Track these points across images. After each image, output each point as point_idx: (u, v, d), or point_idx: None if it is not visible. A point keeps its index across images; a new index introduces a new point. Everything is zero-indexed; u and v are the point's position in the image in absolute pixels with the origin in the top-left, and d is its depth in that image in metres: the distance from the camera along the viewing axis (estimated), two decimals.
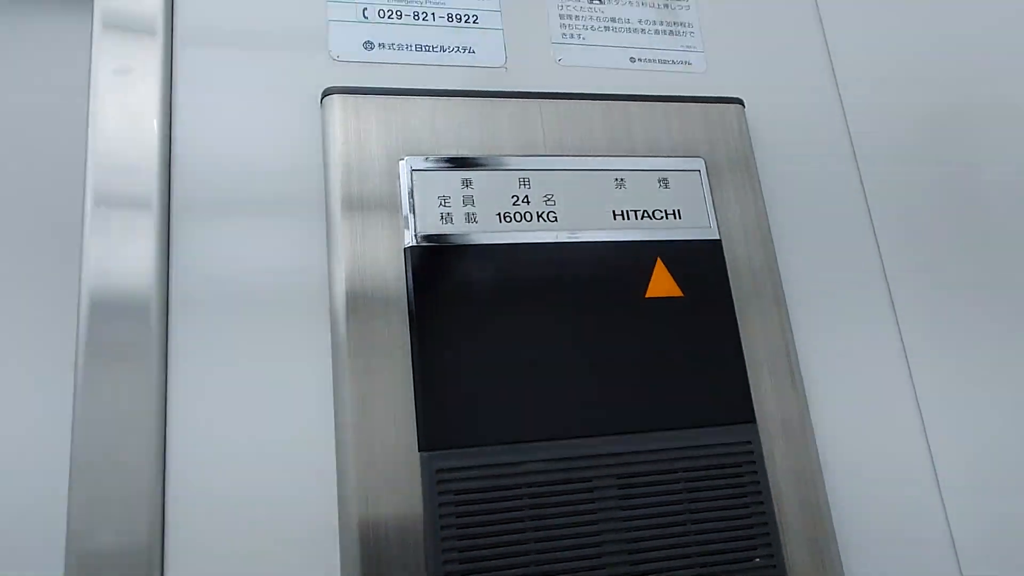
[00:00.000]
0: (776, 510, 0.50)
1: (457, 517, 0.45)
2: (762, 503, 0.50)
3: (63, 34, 0.63)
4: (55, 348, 0.54)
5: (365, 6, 0.57)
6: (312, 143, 0.53)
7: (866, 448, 0.55)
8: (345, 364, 0.47)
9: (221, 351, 0.48)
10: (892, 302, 0.59)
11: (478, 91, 0.55)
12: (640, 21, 0.62)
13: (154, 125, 0.51)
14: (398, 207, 0.50)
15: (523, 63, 0.59)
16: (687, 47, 0.62)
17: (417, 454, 0.46)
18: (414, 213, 0.50)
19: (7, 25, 0.64)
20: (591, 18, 0.61)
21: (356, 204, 0.50)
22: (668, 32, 0.63)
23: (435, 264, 0.49)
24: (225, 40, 0.55)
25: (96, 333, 0.46)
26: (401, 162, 0.51)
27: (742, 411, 0.51)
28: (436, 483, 0.45)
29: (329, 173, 0.51)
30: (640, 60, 0.61)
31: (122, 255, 0.48)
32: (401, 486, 0.45)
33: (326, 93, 0.53)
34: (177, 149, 0.51)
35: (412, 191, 0.50)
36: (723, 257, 0.53)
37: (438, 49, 0.57)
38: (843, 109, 0.64)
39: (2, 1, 0.64)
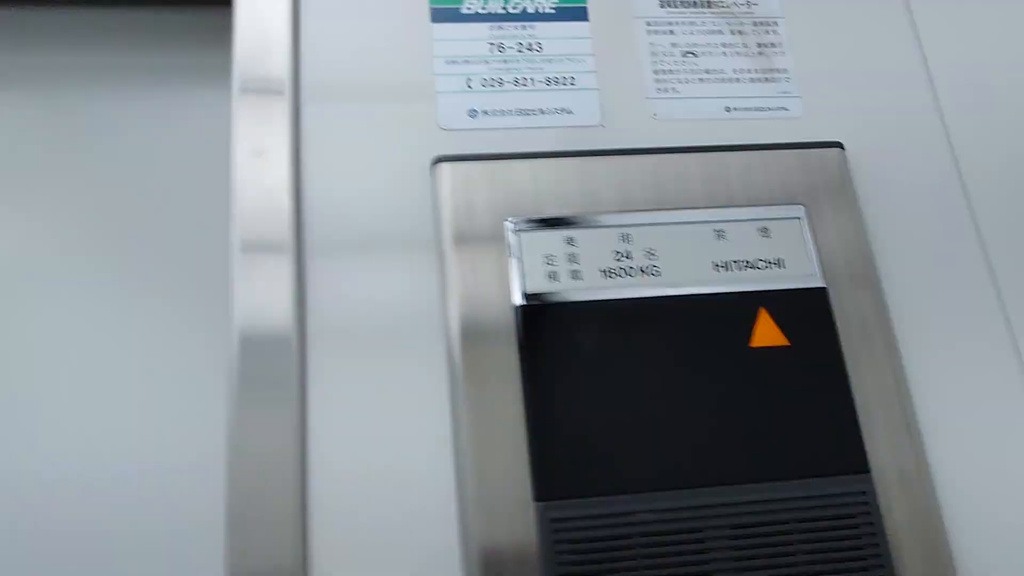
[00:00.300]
0: (896, 562, 0.49)
1: (573, 565, 0.47)
2: (879, 555, 0.49)
3: (204, 101, 0.71)
4: (207, 383, 0.60)
5: (469, 77, 0.61)
6: (424, 200, 0.57)
7: (992, 497, 0.53)
8: (463, 415, 0.50)
9: (351, 382, 0.52)
10: (1015, 343, 0.57)
11: (577, 151, 0.57)
12: (734, 71, 0.63)
13: (286, 178, 0.56)
14: (506, 267, 0.53)
15: (619, 120, 0.61)
16: (783, 93, 0.63)
17: (531, 503, 0.48)
18: (521, 272, 0.52)
19: (162, 96, 0.72)
20: (685, 71, 0.63)
21: (467, 264, 0.53)
22: (763, 79, 0.63)
23: (543, 321, 0.51)
24: (346, 107, 0.60)
25: (246, 368, 0.51)
26: (507, 223, 0.54)
27: (855, 461, 0.50)
28: (551, 532, 0.47)
29: (441, 234, 0.54)
30: (736, 109, 0.62)
31: (264, 297, 0.53)
32: (518, 531, 0.48)
33: (435, 161, 0.57)
34: (306, 201, 0.57)
35: (518, 251, 0.53)
36: (829, 304, 0.53)
37: (538, 112, 0.60)
38: (951, 145, 0.63)
39: (150, 78, 0.73)
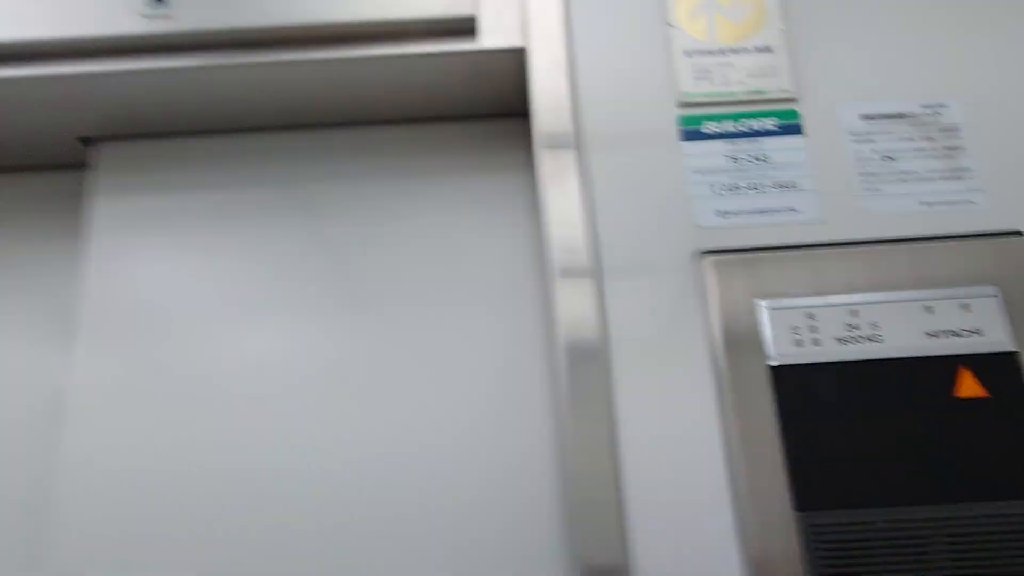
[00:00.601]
0: None
1: (827, 561, 0.64)
2: None
3: (504, 183, 0.93)
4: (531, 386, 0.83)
5: (712, 183, 0.80)
6: (684, 265, 0.76)
7: None
8: (735, 443, 0.68)
9: (651, 384, 0.72)
10: None
11: (807, 243, 0.75)
12: (927, 171, 0.79)
13: (581, 218, 0.78)
14: (760, 335, 0.71)
15: (836, 216, 0.78)
16: (969, 188, 0.78)
17: (792, 512, 0.66)
18: (774, 340, 0.70)
19: (474, 182, 0.95)
20: (886, 173, 0.79)
21: (731, 335, 0.71)
22: (951, 177, 0.79)
23: (793, 378, 0.69)
24: (619, 198, 0.80)
25: (573, 376, 0.71)
26: (758, 302, 0.72)
27: None
28: (810, 535, 0.65)
29: (709, 313, 0.73)
30: (929, 204, 0.78)
31: (578, 313, 0.73)
32: (781, 534, 0.65)
33: (696, 253, 0.76)
34: (600, 239, 0.77)
35: (770, 325, 0.71)
36: (1021, 365, 0.68)
37: (770, 211, 0.78)
38: None
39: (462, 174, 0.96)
